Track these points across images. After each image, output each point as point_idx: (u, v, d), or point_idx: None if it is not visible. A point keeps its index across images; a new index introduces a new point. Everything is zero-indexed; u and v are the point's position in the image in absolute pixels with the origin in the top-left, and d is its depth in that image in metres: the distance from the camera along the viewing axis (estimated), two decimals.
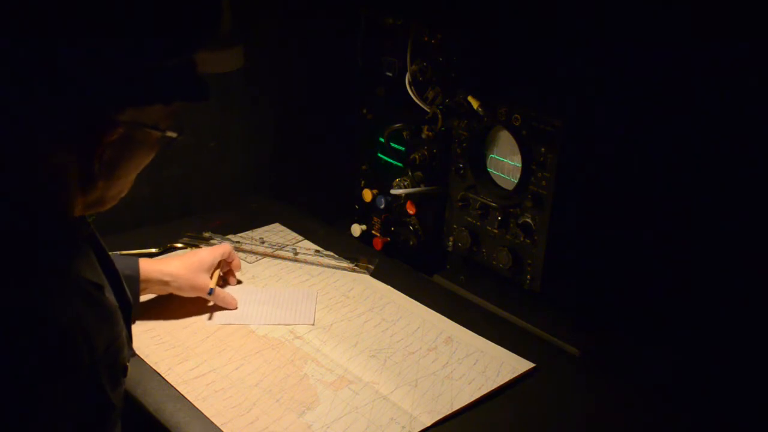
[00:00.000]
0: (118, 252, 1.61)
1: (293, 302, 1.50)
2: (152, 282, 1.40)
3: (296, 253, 1.69)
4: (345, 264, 1.66)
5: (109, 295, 1.00)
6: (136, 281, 1.35)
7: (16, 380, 0.80)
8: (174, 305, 1.45)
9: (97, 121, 0.87)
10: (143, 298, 1.42)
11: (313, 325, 1.43)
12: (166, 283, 1.41)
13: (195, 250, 1.54)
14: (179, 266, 1.43)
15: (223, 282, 1.55)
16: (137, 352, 1.32)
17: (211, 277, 1.46)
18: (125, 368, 1.01)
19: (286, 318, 1.45)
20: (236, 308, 1.47)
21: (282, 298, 1.52)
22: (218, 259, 1.49)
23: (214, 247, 1.53)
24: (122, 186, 0.99)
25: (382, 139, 1.68)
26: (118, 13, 0.83)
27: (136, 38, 0.85)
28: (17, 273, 0.84)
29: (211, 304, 1.46)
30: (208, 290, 1.44)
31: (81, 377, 0.88)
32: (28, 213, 0.90)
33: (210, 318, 1.44)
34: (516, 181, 1.44)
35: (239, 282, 1.58)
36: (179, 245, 1.69)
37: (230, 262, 1.54)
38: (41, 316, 0.83)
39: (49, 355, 0.83)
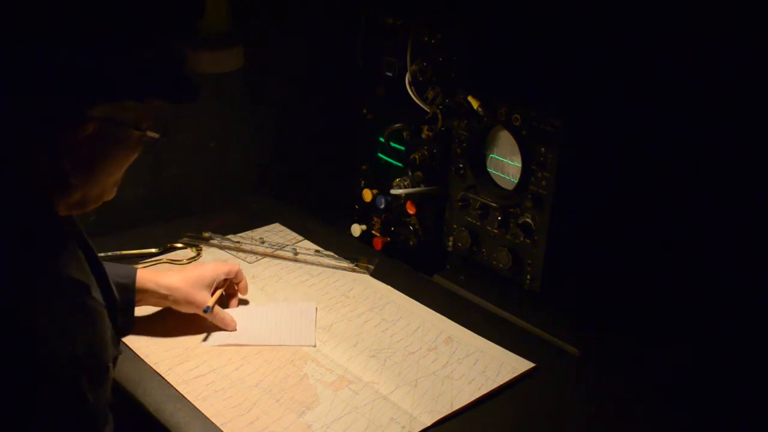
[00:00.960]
0: (116, 253, 1.61)
1: (292, 320, 1.43)
2: (149, 293, 1.34)
3: (296, 253, 1.69)
4: (345, 264, 1.66)
5: (96, 294, 0.98)
6: (131, 290, 1.30)
7: None
8: (172, 318, 1.39)
9: (66, 115, 0.85)
10: (142, 311, 1.38)
11: (315, 347, 1.37)
12: (163, 296, 1.35)
13: (200, 264, 1.46)
14: (178, 279, 1.36)
15: (223, 303, 1.46)
16: (137, 352, 1.32)
17: (212, 294, 1.39)
18: (107, 368, 0.97)
19: (286, 339, 1.38)
20: (235, 330, 1.39)
21: (281, 316, 1.45)
22: (222, 277, 1.42)
23: (220, 263, 1.46)
24: (103, 187, 0.97)
25: (382, 139, 1.68)
26: (85, 3, 0.81)
27: (105, 29, 0.82)
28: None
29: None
30: (204, 307, 1.35)
31: (59, 380, 0.86)
32: (8, 210, 0.88)
33: (205, 339, 1.37)
34: (516, 181, 1.44)
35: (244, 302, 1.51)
36: (179, 245, 1.69)
37: (237, 283, 1.47)
38: (20, 317, 0.81)
39: (25, 357, 0.82)
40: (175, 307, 1.37)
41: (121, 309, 1.25)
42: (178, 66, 0.91)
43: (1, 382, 0.81)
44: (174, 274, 1.38)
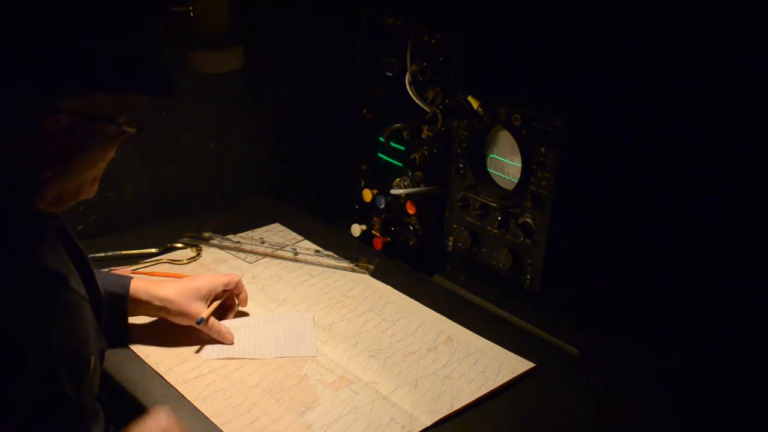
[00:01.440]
0: (116, 253, 1.61)
1: (291, 331, 1.40)
2: (142, 303, 1.31)
3: (296, 253, 1.69)
4: (345, 264, 1.66)
5: (76, 286, 0.96)
6: (123, 299, 1.28)
7: None
8: (167, 329, 1.36)
9: (33, 106, 0.83)
10: (140, 320, 1.36)
11: (316, 356, 1.34)
12: (157, 308, 1.32)
13: (198, 275, 1.41)
14: (173, 291, 1.32)
15: (221, 315, 1.41)
16: (137, 352, 1.32)
17: (208, 306, 1.35)
18: (88, 362, 0.95)
19: (286, 351, 1.35)
20: (232, 343, 1.35)
21: (279, 328, 1.41)
22: (220, 288, 1.38)
23: (218, 275, 1.42)
24: (80, 183, 0.94)
25: (382, 139, 1.68)
26: None
27: (73, 15, 0.80)
28: None
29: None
30: (197, 319, 1.31)
31: (34, 371, 0.84)
32: None
33: (199, 351, 1.33)
34: (516, 181, 1.44)
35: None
36: (179, 245, 1.69)
37: (237, 294, 1.43)
38: None
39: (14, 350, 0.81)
40: (169, 318, 1.33)
41: (114, 319, 1.25)
42: (151, 57, 0.88)
43: None
44: (169, 285, 1.35)
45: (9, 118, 0.84)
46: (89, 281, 1.05)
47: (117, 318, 1.29)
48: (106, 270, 1.45)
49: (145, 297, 1.31)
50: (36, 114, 0.83)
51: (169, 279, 1.49)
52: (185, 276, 1.57)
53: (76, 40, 0.81)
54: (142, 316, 1.36)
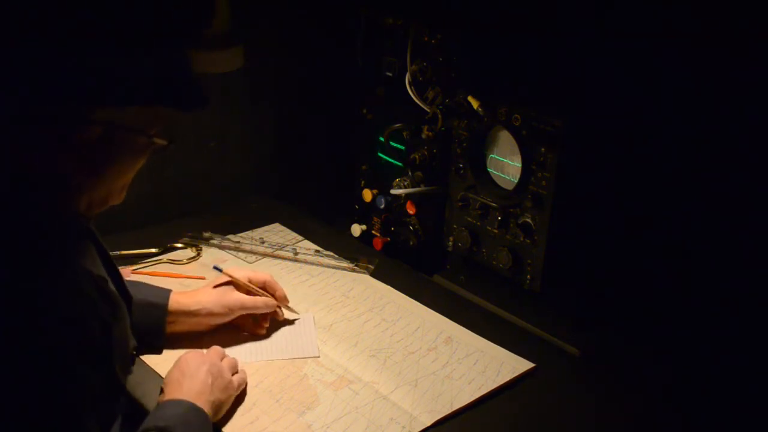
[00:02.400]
0: (116, 253, 1.61)
1: (293, 333, 1.41)
2: (180, 314, 1.31)
3: (296, 253, 1.69)
4: (345, 264, 1.66)
5: (113, 288, 1.00)
6: (163, 309, 1.29)
7: (38, 371, 0.81)
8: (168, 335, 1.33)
9: (69, 117, 0.85)
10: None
11: (319, 357, 1.34)
12: (193, 313, 1.32)
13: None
14: (208, 292, 1.35)
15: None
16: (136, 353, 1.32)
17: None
18: (133, 357, 1.01)
19: (289, 352, 1.35)
20: (270, 308, 1.37)
21: (280, 328, 1.42)
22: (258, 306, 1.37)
23: (256, 297, 1.38)
24: (109, 191, 0.97)
25: (382, 139, 1.68)
26: (89, 7, 0.81)
27: (110, 32, 0.82)
28: (28, 270, 0.83)
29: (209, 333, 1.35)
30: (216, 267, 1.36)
31: (99, 362, 0.89)
32: (27, 209, 0.89)
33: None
34: (516, 181, 1.44)
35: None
36: (179, 245, 1.69)
37: (273, 294, 1.40)
38: (59, 312, 0.84)
39: (69, 345, 0.84)
40: (208, 320, 1.33)
41: (151, 329, 1.28)
42: (185, 72, 0.91)
43: (50, 371, 0.83)
44: (204, 292, 1.37)
45: (48, 129, 0.86)
46: (119, 284, 1.09)
47: (155, 328, 1.30)
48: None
49: (181, 307, 1.31)
50: (73, 125, 0.86)
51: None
52: (185, 276, 1.57)
53: (114, 54, 0.84)
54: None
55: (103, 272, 1.00)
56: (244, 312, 1.36)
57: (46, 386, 0.82)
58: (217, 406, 1.13)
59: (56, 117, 0.86)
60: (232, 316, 1.35)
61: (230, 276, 1.38)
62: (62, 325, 0.84)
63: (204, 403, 1.09)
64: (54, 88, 0.83)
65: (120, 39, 0.84)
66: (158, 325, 1.29)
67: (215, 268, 1.45)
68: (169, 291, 1.32)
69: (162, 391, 1.13)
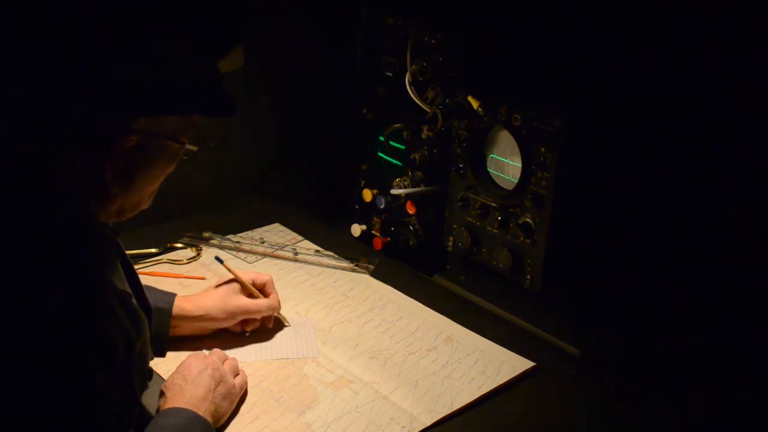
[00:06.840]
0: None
1: (293, 334, 1.41)
2: (183, 319, 1.31)
3: (296, 253, 1.69)
4: (345, 264, 1.66)
5: (135, 302, 1.01)
6: (167, 315, 1.29)
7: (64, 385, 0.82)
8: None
9: (110, 127, 0.88)
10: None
11: (319, 357, 1.35)
12: (197, 318, 1.32)
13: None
14: (211, 297, 1.35)
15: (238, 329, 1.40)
16: None
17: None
18: (151, 372, 1.02)
19: (289, 353, 1.36)
20: (273, 306, 1.38)
21: (280, 329, 1.42)
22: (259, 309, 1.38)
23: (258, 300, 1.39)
24: (140, 197, 1.00)
25: (382, 139, 1.67)
26: (133, 20, 0.83)
27: (151, 46, 0.85)
28: (56, 281, 0.84)
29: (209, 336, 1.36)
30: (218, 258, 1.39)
31: (120, 379, 0.90)
32: (64, 218, 0.90)
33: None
34: (516, 181, 1.44)
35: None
36: (179, 245, 1.69)
37: (268, 296, 1.41)
38: (83, 325, 0.84)
39: (90, 359, 0.85)
40: (210, 325, 1.34)
41: (155, 334, 1.26)
42: (217, 80, 0.94)
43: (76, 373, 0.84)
44: (209, 295, 1.37)
45: (89, 138, 0.88)
46: (140, 295, 1.10)
47: (160, 332, 1.29)
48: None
49: (180, 312, 1.31)
50: (113, 134, 0.88)
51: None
52: (185, 276, 1.57)
53: (154, 67, 0.86)
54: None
55: (127, 287, 1.01)
56: (246, 317, 1.37)
57: (65, 400, 0.82)
58: (219, 414, 1.13)
59: (99, 127, 0.88)
60: (235, 321, 1.36)
61: (233, 273, 1.38)
62: (85, 339, 0.85)
63: (205, 411, 1.09)
64: (99, 100, 0.85)
65: (165, 54, 0.86)
66: (162, 331, 1.29)
67: (216, 258, 1.47)
68: (173, 296, 1.32)
69: (162, 394, 1.12)
